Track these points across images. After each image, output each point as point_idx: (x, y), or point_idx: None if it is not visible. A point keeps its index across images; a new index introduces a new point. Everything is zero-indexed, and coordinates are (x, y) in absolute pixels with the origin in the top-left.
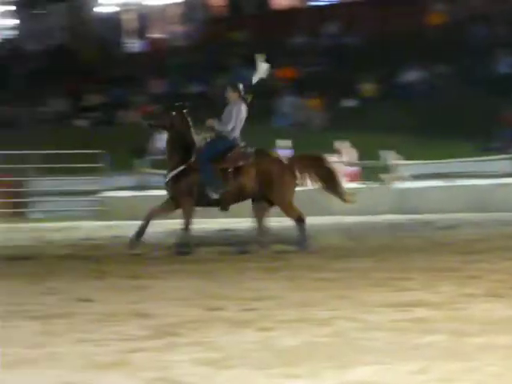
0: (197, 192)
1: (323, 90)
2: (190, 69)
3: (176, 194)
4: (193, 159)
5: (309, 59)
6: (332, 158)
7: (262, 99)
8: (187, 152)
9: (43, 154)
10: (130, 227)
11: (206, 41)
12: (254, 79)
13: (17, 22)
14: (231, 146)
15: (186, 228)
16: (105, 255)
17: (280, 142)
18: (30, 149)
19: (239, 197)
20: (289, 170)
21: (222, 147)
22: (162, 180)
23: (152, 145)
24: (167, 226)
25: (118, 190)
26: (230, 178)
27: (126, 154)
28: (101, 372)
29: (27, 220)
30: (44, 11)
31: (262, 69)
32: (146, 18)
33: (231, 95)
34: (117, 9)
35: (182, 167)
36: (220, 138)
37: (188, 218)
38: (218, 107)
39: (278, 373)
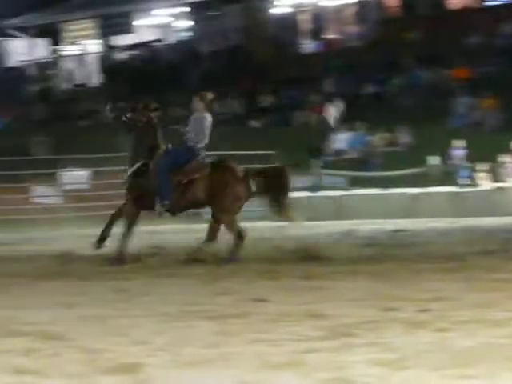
0: (147, 196)
1: (498, 90)
2: (363, 69)
3: (126, 194)
4: (152, 163)
5: (484, 59)
6: (506, 159)
7: (437, 100)
8: (150, 153)
9: (219, 154)
10: (304, 228)
11: (380, 41)
12: None
13: (192, 23)
14: (191, 158)
15: (127, 232)
16: (278, 256)
17: (455, 143)
18: (206, 150)
19: (188, 207)
20: (242, 181)
21: (182, 160)
22: (337, 181)
23: (327, 145)
24: (338, 227)
25: (293, 190)
26: (181, 190)
27: (300, 155)
28: (275, 372)
29: (202, 221)
30: (219, 12)
31: None
32: (320, 18)
33: (198, 105)
34: (291, 9)
35: (138, 165)
36: (184, 149)
37: (129, 221)
38: (392, 107)
39: (453, 374)
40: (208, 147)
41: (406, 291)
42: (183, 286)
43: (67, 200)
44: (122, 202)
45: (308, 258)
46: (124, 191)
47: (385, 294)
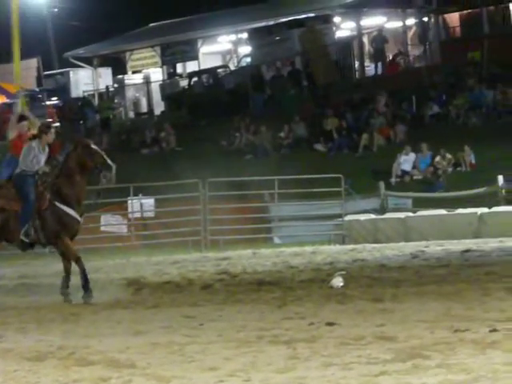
0: None
1: None
2: (427, 90)
3: None
4: None
5: None
6: None
7: (502, 118)
8: None
9: (284, 179)
10: (371, 250)
11: (443, 61)
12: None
13: (254, 49)
14: None
15: None
16: (348, 279)
17: None
18: (272, 174)
19: None
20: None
21: None
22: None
23: (393, 167)
24: (406, 249)
25: (359, 213)
26: None
27: (366, 178)
28: None
29: (270, 245)
30: (280, 37)
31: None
32: (382, 40)
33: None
34: (353, 32)
35: None
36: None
37: None
38: (456, 127)
39: None
40: (274, 171)
41: (476, 311)
42: (252, 311)
43: (135, 228)
44: (186, 228)
45: (376, 281)
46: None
47: (455, 314)
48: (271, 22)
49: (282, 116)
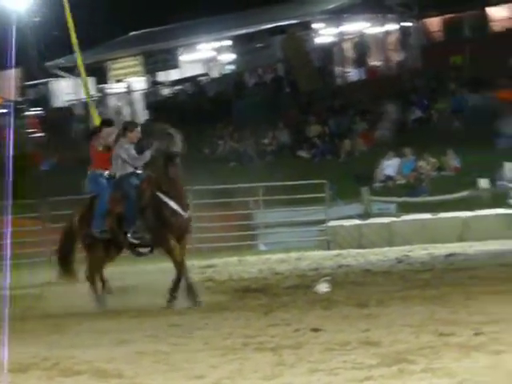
0: None
1: None
2: (409, 95)
3: None
4: None
5: None
6: None
7: (484, 122)
8: None
9: (269, 185)
10: (356, 256)
11: (424, 66)
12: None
13: (236, 56)
14: None
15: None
16: (333, 284)
17: (505, 164)
18: (256, 181)
19: None
20: None
21: None
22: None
23: (377, 172)
24: (390, 254)
25: (343, 219)
26: None
27: (349, 183)
28: None
29: (255, 252)
30: (262, 44)
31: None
32: (363, 46)
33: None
34: (334, 38)
35: None
36: None
37: None
38: (439, 132)
39: None
40: (258, 178)
41: (460, 315)
42: (237, 318)
43: None
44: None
45: (361, 286)
46: None
47: (440, 318)
48: (253, 29)
49: (266, 123)
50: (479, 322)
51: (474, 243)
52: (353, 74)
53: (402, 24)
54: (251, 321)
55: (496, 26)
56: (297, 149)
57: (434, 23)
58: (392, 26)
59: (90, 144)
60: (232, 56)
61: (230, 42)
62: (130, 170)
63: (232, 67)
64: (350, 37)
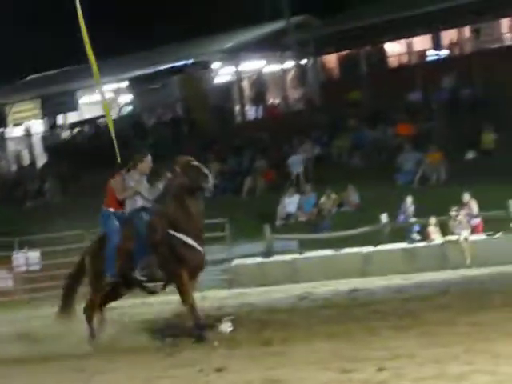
0: None
1: (443, 143)
2: (308, 132)
3: None
4: None
5: (427, 114)
6: (456, 212)
7: (384, 157)
8: None
9: None
10: (259, 294)
11: (323, 103)
12: None
13: (134, 97)
14: None
15: None
16: (236, 323)
17: (405, 199)
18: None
19: None
20: None
21: None
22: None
23: (278, 210)
24: (293, 291)
25: (246, 257)
26: None
27: (251, 221)
28: None
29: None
30: (159, 85)
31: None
32: (261, 84)
33: None
34: (232, 77)
35: None
36: None
37: None
38: (339, 168)
39: None
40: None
41: (363, 351)
42: (143, 360)
43: (21, 282)
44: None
45: (265, 324)
46: None
47: (343, 354)
48: (151, 70)
49: (165, 162)
50: (382, 358)
51: (377, 278)
52: (252, 112)
53: (300, 61)
54: (158, 361)
55: (392, 62)
56: None
57: (332, 60)
58: (290, 64)
59: (109, 180)
60: (131, 97)
61: (128, 83)
62: (140, 203)
63: (131, 108)
64: (248, 75)
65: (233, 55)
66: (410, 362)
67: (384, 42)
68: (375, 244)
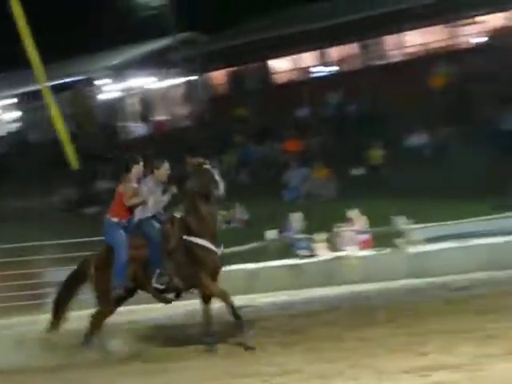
0: None
1: (330, 160)
2: (194, 149)
3: None
4: None
5: (314, 130)
6: (342, 228)
7: (271, 174)
8: None
9: (57, 243)
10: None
11: (210, 119)
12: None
13: (20, 114)
14: None
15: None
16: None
17: (292, 215)
18: (43, 239)
19: None
20: None
21: None
22: None
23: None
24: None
25: None
26: None
27: None
28: None
29: (44, 311)
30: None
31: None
32: (148, 101)
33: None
34: (119, 94)
35: None
36: None
37: None
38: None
39: None
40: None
41: (252, 367)
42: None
43: None
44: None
45: (155, 341)
46: None
47: (233, 371)
48: (37, 87)
49: (52, 181)
50: (269, 374)
51: (263, 294)
52: (138, 128)
53: (187, 78)
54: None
55: (280, 78)
56: (85, 206)
57: (219, 76)
58: (177, 80)
59: (118, 187)
60: (16, 114)
61: (14, 100)
62: (150, 213)
63: (16, 125)
64: (136, 92)
65: (120, 72)
66: (297, 377)
67: (272, 58)
68: (262, 260)
